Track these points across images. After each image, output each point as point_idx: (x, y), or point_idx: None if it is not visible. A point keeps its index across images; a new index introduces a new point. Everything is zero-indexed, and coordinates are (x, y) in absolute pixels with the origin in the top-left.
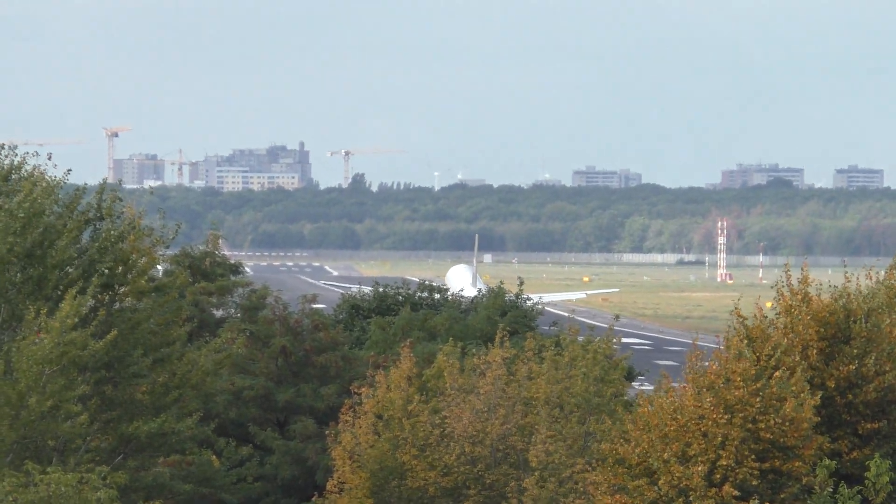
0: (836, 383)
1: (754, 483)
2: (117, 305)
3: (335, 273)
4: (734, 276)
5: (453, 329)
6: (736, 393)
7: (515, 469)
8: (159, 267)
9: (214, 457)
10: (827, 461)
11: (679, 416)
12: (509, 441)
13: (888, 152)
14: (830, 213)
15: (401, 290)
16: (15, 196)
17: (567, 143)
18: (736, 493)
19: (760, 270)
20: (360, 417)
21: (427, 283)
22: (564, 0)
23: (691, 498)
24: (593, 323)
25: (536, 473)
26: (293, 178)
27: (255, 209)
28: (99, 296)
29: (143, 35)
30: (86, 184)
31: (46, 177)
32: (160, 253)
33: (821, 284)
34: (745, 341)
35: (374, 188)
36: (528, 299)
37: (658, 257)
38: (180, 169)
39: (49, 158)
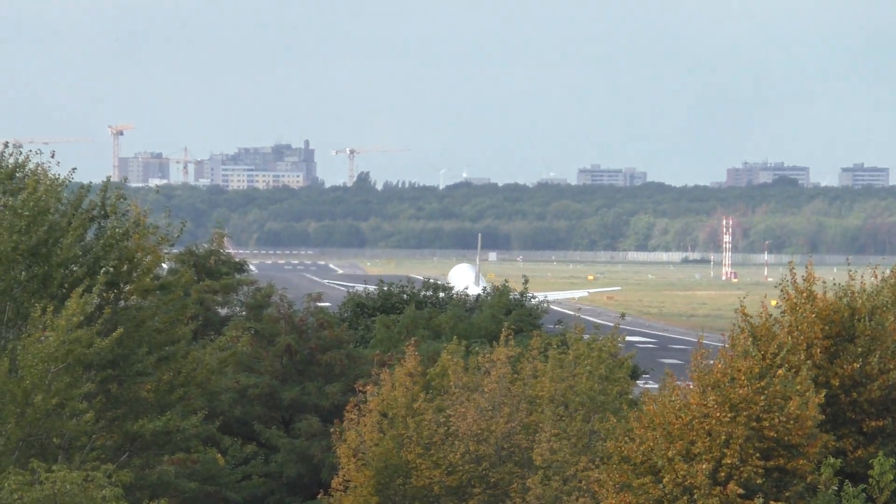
0: (840, 381)
1: (759, 481)
2: (122, 304)
3: (340, 271)
4: (739, 274)
5: (458, 327)
6: (740, 391)
7: (520, 467)
8: (164, 265)
9: (219, 455)
10: (831, 459)
11: (683, 415)
12: (514, 439)
13: (894, 151)
14: (836, 211)
15: (405, 289)
16: (19, 194)
17: (572, 142)
18: (740, 491)
19: (765, 269)
20: (364, 415)
21: (432, 281)
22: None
23: (696, 496)
24: (599, 321)
25: (540, 472)
26: (298, 176)
27: (261, 208)
28: (104, 294)
29: (148, 34)
30: (90, 182)
31: (50, 175)
32: (165, 251)
33: (825, 283)
34: (751, 340)
35: (379, 187)
36: (533, 298)
37: (663, 256)
38: (185, 167)
39: (52, 156)
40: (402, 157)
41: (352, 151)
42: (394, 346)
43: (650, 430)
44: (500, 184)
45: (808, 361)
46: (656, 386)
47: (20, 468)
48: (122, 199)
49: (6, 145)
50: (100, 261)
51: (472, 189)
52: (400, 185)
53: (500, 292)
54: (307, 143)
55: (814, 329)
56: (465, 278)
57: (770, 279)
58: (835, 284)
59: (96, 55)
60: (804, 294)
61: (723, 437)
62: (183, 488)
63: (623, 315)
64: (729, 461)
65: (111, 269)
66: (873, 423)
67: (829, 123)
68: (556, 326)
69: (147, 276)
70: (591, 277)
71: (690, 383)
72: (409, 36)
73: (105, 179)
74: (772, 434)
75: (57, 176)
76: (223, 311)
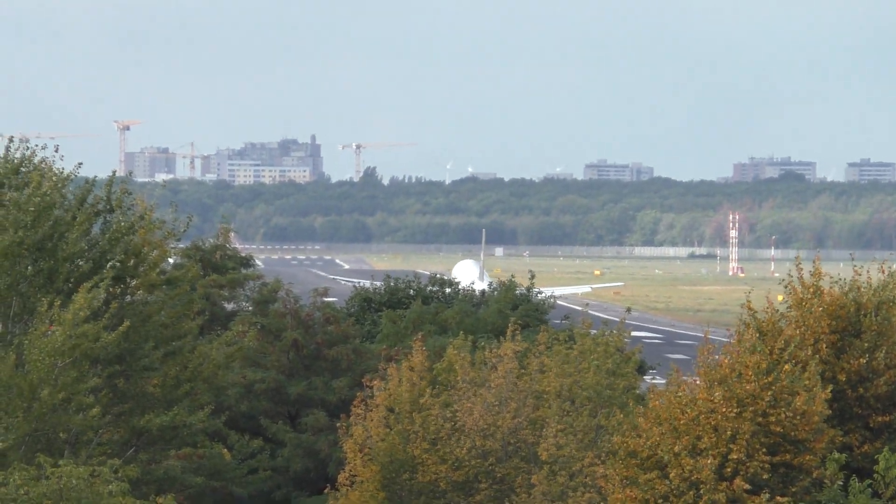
0: (847, 377)
1: (765, 476)
2: (128, 298)
3: (346, 266)
4: (746, 269)
5: (464, 322)
6: (747, 387)
7: (526, 463)
8: (170, 260)
9: (225, 450)
10: (836, 455)
11: (690, 410)
12: (520, 435)
13: None
14: (842, 206)
15: (412, 284)
16: (25, 189)
17: (578, 137)
18: (746, 486)
19: (772, 264)
20: (371, 410)
21: (438, 276)
22: None
23: (702, 491)
24: (606, 317)
25: (546, 467)
26: (304, 171)
27: (267, 202)
28: (111, 289)
29: (155, 30)
30: (95, 176)
31: (55, 169)
32: (171, 246)
33: (831, 278)
34: (757, 335)
35: (386, 182)
36: (540, 293)
37: (669, 251)
38: (192, 162)
39: (56, 151)
40: (407, 153)
41: (358, 146)
42: (400, 340)
43: (656, 426)
44: (507, 179)
45: (816, 357)
46: (664, 381)
47: (27, 463)
48: (127, 194)
49: (11, 140)
50: (106, 255)
51: (479, 184)
52: (406, 180)
53: (507, 287)
54: (313, 138)
55: (820, 324)
56: (469, 274)
57: (776, 274)
58: (840, 280)
59: (97, 55)
60: (811, 289)
61: (729, 432)
62: (189, 483)
63: (629, 309)
64: (735, 456)
65: (118, 264)
66: (880, 419)
67: (836, 118)
68: (564, 322)
69: (153, 270)
70: (597, 273)
71: (697, 379)
72: (409, 35)
73: (111, 174)
74: (778, 429)
75: (62, 170)
76: (229, 306)
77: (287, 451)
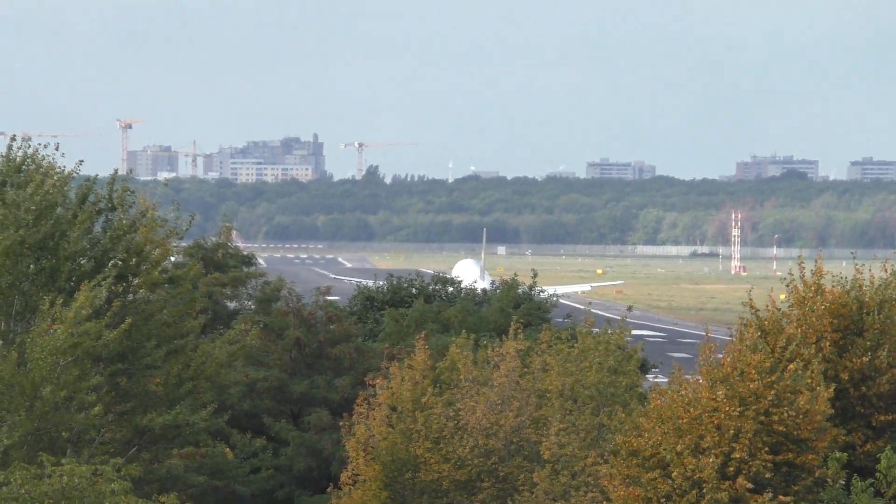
0: (849, 375)
1: (768, 475)
2: (131, 297)
3: (349, 265)
4: (748, 268)
5: (467, 321)
6: (750, 385)
7: (529, 462)
8: (172, 258)
9: (228, 449)
10: (838, 454)
11: (692, 409)
12: (523, 433)
13: None
14: (845, 205)
15: (414, 283)
16: (26, 188)
17: (581, 135)
18: (749, 485)
19: (774, 262)
20: (374, 409)
21: (441, 275)
22: None
23: (704, 490)
24: (609, 315)
25: (548, 466)
26: (307, 169)
27: (269, 201)
28: (113, 287)
29: (155, 30)
30: (97, 174)
31: (56, 167)
32: (173, 244)
33: (833, 276)
34: (759, 333)
35: (388, 180)
36: (542, 292)
37: (672, 249)
38: (194, 160)
39: (57, 149)
40: (409, 152)
41: (360, 145)
42: (403, 339)
43: (659, 425)
44: (509, 177)
45: (819, 355)
46: (666, 380)
47: (29, 462)
48: (129, 192)
49: (13, 139)
50: (108, 254)
51: (481, 182)
52: (409, 179)
53: (509, 286)
54: (316, 136)
55: (822, 322)
56: (469, 273)
57: (779, 273)
58: (842, 278)
59: (97, 55)
60: (812, 288)
61: (732, 431)
62: (192, 482)
63: (630, 307)
64: (738, 455)
65: (119, 263)
66: (882, 418)
67: (838, 117)
68: (566, 320)
69: (155, 269)
70: (599, 271)
71: (699, 377)
72: (409, 35)
73: (112, 172)
74: (781, 428)
75: (62, 169)
76: (232, 305)
77: (290, 450)
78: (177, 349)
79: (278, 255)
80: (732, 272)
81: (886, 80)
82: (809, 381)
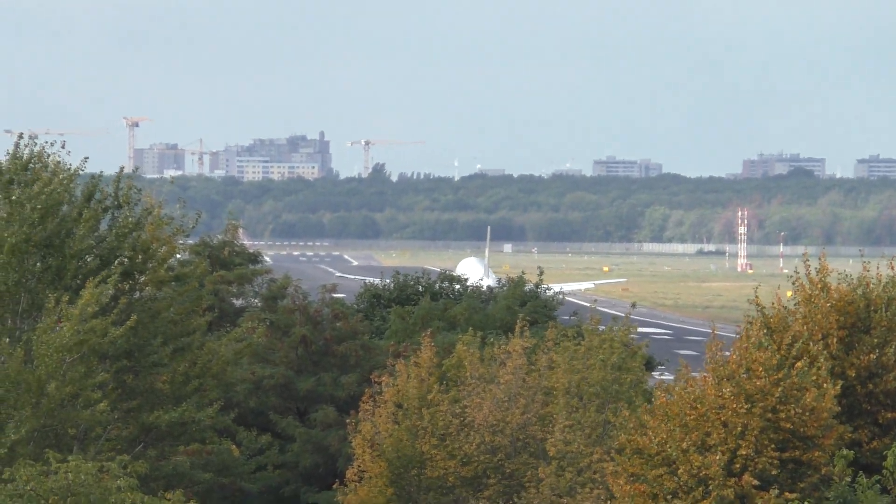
0: (856, 373)
1: (774, 473)
2: (137, 294)
3: (355, 263)
4: (755, 265)
5: (473, 319)
6: (757, 383)
7: (535, 459)
8: (178, 256)
9: (234, 446)
10: (844, 451)
11: (699, 406)
12: (529, 430)
13: None
14: (851, 203)
15: (421, 280)
16: (33, 186)
17: (587, 133)
18: (755, 482)
19: (781, 260)
20: (379, 406)
21: (447, 272)
22: None
23: (710, 487)
24: (615, 313)
25: (554, 463)
26: (313, 167)
27: (276, 199)
28: (119, 285)
29: (155, 30)
30: (101, 172)
31: (62, 165)
32: (180, 242)
33: (839, 273)
34: (765, 331)
35: (394, 178)
36: (548, 289)
37: (678, 247)
38: (200, 158)
39: (63, 147)
40: (414, 151)
41: (366, 143)
42: (409, 337)
43: (664, 422)
44: (515, 175)
45: (826, 352)
46: (672, 377)
47: (35, 458)
48: (135, 190)
49: (21, 136)
50: (114, 251)
51: (487, 180)
52: (415, 177)
53: (515, 283)
54: (322, 134)
55: (829, 320)
56: (472, 272)
57: (785, 271)
58: (848, 276)
59: (97, 55)
60: (818, 285)
61: (738, 428)
62: (198, 479)
63: (634, 304)
64: (744, 452)
65: (125, 260)
66: (889, 415)
67: (845, 115)
68: (572, 318)
69: (161, 267)
70: (606, 269)
71: (706, 374)
72: (409, 35)
73: (119, 170)
74: (787, 425)
75: (67, 166)
76: (238, 303)
77: (296, 447)
78: (183, 347)
79: (284, 253)
80: (739, 270)
81: (888, 80)
82: (816, 378)
